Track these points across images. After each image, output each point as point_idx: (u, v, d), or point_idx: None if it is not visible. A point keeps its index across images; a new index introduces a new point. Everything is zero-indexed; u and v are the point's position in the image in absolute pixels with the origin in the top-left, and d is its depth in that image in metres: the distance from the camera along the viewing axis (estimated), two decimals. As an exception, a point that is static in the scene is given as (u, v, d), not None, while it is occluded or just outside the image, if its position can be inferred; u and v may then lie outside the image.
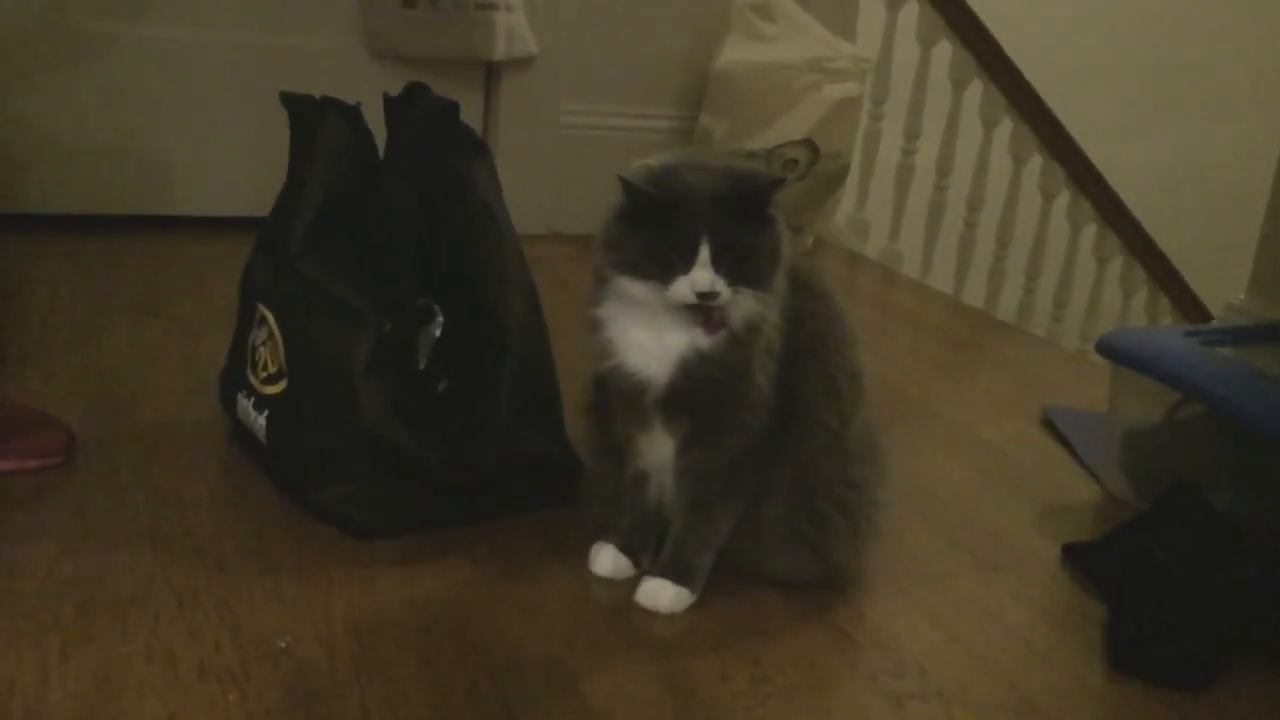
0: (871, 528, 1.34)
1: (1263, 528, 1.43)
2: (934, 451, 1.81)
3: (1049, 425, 1.95)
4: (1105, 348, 1.73)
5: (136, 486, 1.41)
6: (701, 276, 1.12)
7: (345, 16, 2.60)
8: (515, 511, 1.42)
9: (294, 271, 1.43)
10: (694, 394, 1.20)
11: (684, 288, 1.13)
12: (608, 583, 1.30)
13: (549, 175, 2.78)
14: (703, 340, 1.18)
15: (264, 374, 1.45)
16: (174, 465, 1.47)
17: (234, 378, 1.53)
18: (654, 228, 1.14)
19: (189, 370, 1.75)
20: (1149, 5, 4.73)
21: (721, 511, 1.27)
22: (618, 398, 1.26)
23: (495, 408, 1.38)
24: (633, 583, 1.28)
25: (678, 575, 1.26)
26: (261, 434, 1.44)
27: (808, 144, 2.76)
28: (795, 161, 2.76)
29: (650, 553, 1.31)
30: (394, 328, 1.40)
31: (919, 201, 3.28)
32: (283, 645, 1.13)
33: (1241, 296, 2.20)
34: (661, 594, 1.26)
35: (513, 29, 2.68)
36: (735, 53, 2.79)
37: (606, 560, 1.31)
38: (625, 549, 1.31)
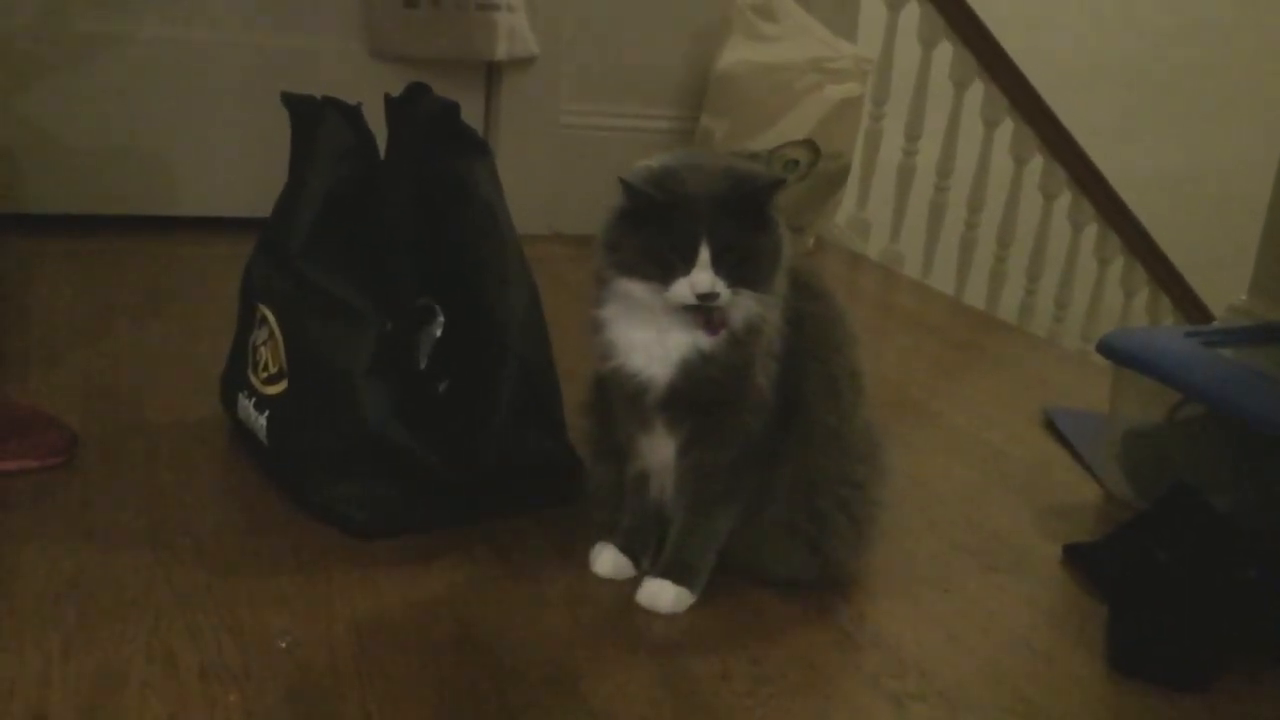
0: (873, 528, 1.33)
1: (1263, 528, 1.43)
2: (935, 452, 1.81)
3: (1050, 426, 1.95)
4: (1106, 348, 1.73)
5: (137, 486, 1.41)
6: (701, 278, 1.12)
7: (346, 17, 2.60)
8: (515, 511, 1.42)
9: (295, 272, 1.43)
10: (695, 395, 1.20)
11: (684, 289, 1.13)
12: (608, 583, 1.30)
13: (549, 175, 2.78)
14: (704, 341, 1.18)
15: (265, 374, 1.45)
16: (175, 465, 1.47)
17: (235, 378, 1.53)
18: (654, 229, 1.14)
19: (190, 370, 1.75)
20: (1150, 6, 4.73)
21: (722, 512, 1.27)
22: (619, 399, 1.26)
23: (496, 408, 1.38)
24: (633, 583, 1.28)
25: (678, 576, 1.26)
26: (262, 434, 1.44)
27: (809, 144, 2.75)
28: (796, 162, 2.75)
29: (651, 553, 1.31)
30: (395, 328, 1.40)
31: (920, 202, 3.28)
32: (283, 645, 1.13)
33: (1243, 297, 2.20)
34: (662, 594, 1.26)
35: (514, 29, 2.68)
36: (736, 53, 2.79)
37: (607, 561, 1.31)
38: (626, 549, 1.31)
